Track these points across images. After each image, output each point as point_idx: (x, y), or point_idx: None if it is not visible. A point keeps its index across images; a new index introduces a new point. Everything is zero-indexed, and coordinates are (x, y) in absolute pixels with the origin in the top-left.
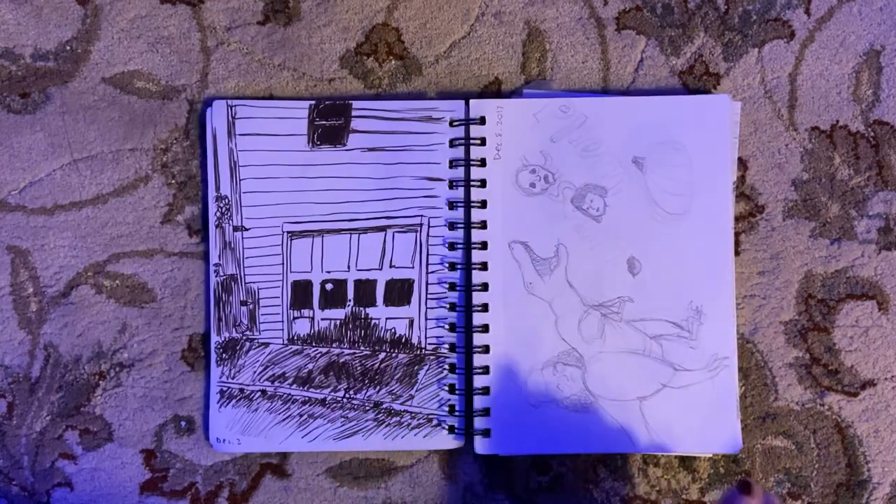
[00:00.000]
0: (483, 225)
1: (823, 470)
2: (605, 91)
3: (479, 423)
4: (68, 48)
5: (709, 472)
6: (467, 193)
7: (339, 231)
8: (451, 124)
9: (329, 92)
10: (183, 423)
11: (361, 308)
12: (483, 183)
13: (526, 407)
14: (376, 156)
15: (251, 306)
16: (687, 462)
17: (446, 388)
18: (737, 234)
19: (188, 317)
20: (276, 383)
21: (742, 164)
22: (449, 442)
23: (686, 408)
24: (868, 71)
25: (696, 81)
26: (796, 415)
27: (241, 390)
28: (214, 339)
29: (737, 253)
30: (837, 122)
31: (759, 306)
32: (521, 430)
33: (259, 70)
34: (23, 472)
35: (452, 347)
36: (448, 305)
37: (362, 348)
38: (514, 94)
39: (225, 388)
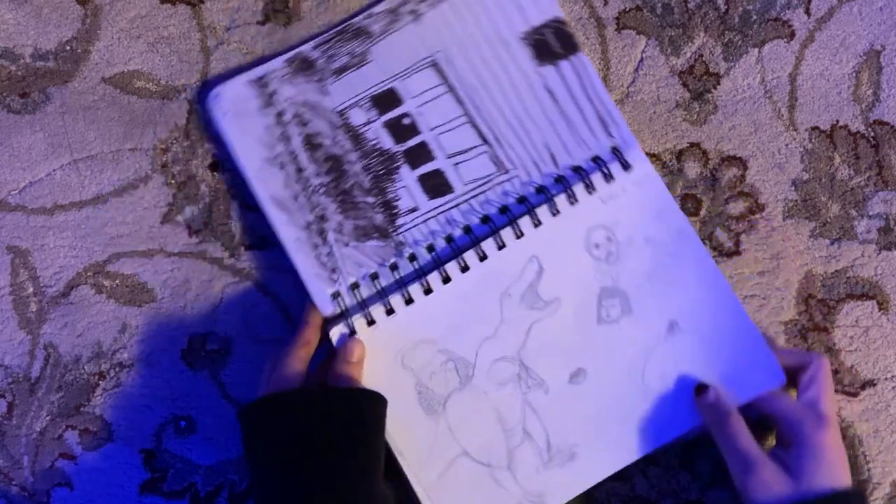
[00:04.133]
0: (537, 222)
1: None
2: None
3: (354, 313)
4: (68, 48)
5: (708, 471)
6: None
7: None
8: (593, 159)
9: None
10: (183, 423)
11: (402, 160)
12: (572, 198)
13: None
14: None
15: None
16: (687, 462)
17: (376, 263)
18: (737, 234)
19: (188, 317)
20: (296, 123)
21: (742, 163)
22: (324, 302)
23: (466, 489)
24: (868, 71)
25: (696, 81)
26: None
27: (272, 95)
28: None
29: (737, 253)
30: (837, 122)
31: (759, 306)
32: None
33: None
34: (23, 472)
35: (430, 248)
36: (464, 227)
37: (366, 182)
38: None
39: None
